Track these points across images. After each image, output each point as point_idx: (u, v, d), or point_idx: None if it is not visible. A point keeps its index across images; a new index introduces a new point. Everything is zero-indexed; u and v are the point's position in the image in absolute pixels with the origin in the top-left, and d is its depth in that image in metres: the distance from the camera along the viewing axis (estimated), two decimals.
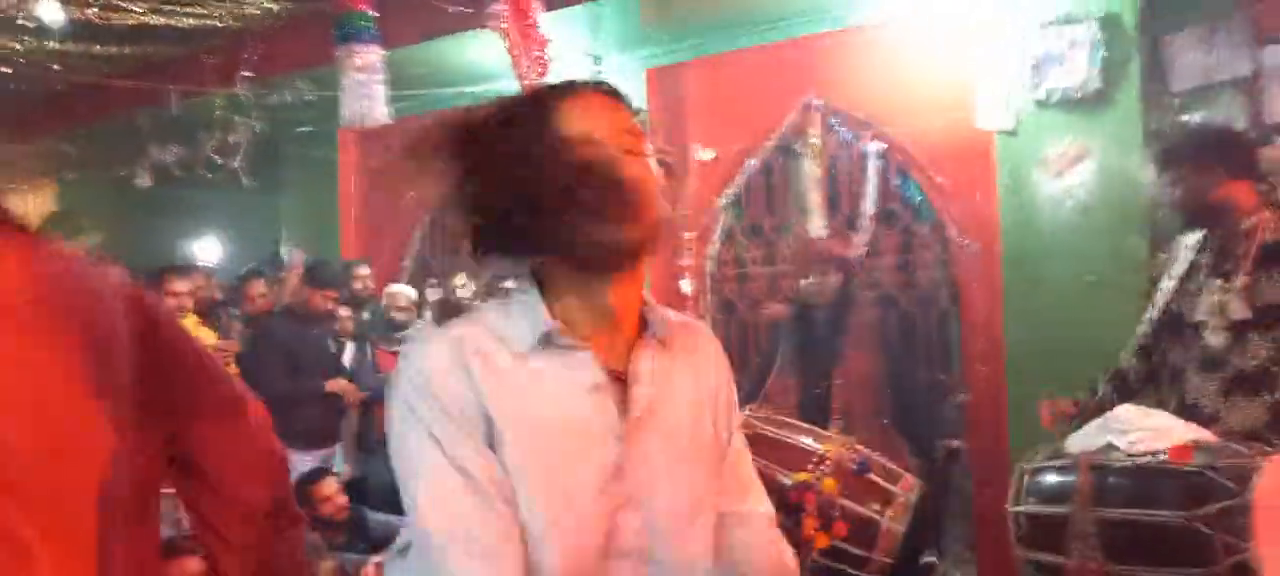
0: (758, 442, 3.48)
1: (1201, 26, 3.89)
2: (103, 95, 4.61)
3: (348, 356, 4.74)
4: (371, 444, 4.64)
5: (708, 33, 4.41)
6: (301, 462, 4.25)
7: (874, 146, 4.26)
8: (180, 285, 4.31)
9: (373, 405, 4.59)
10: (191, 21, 4.27)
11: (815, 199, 4.41)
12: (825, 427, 3.54)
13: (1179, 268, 2.78)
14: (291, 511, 1.35)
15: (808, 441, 3.45)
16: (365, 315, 5.16)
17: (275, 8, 4.27)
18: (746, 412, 3.62)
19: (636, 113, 1.12)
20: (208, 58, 4.46)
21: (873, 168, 4.30)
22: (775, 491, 3.32)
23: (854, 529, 3.26)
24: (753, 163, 4.54)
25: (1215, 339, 2.62)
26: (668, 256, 4.67)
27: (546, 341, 1.07)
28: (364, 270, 5.22)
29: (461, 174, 1.05)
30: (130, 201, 5.91)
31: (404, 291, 4.99)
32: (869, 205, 4.35)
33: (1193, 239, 2.78)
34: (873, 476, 3.32)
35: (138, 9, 3.99)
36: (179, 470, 1.25)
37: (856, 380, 3.70)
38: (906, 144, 4.15)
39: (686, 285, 4.65)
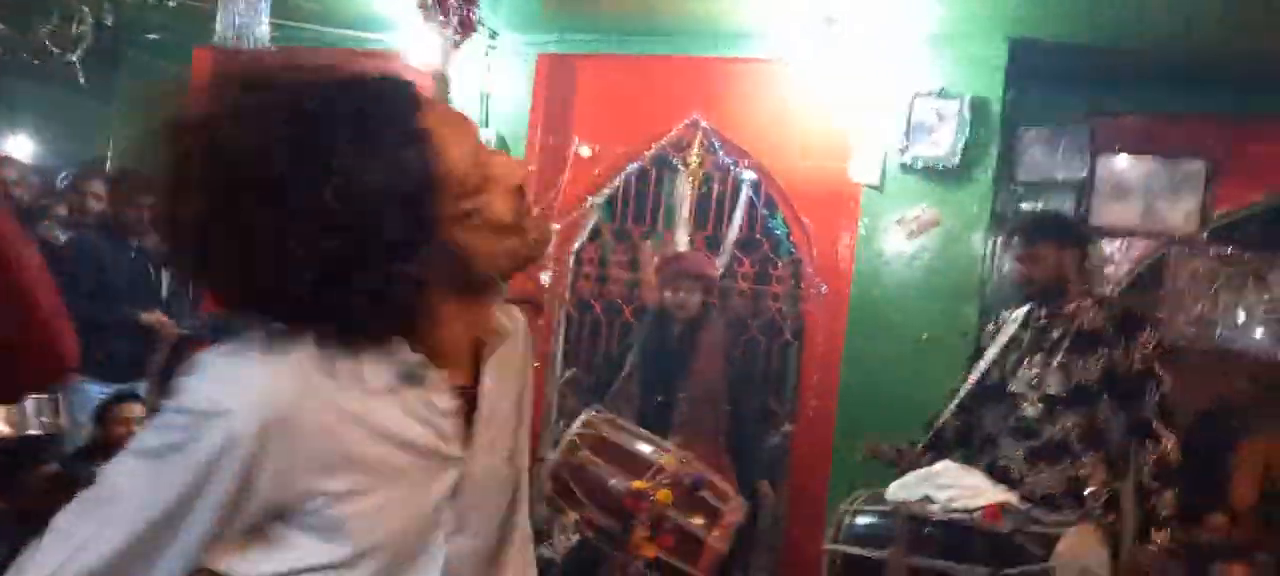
0: (599, 445, 3.51)
1: (1050, 127, 4.27)
2: None
3: (165, 289, 4.38)
4: None
5: (606, 30, 4.40)
6: (100, 395, 3.91)
7: (748, 175, 4.39)
8: None
9: (186, 343, 4.26)
10: None
11: (685, 214, 4.49)
12: (665, 439, 3.60)
13: (1003, 338, 3.03)
14: None
15: (647, 449, 3.50)
16: None
17: None
18: (591, 412, 3.63)
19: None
20: None
21: (744, 195, 4.43)
22: (610, 495, 3.39)
23: (680, 542, 3.33)
24: (631, 168, 4.57)
25: (1030, 409, 2.87)
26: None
27: (408, 378, 0.93)
28: None
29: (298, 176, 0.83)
30: None
31: None
32: (734, 231, 4.48)
33: (1019, 314, 3.04)
34: (705, 494, 3.41)
35: None
36: None
37: (699, 397, 3.79)
38: (779, 179, 4.30)
39: (546, 277, 4.61)
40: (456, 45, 2.86)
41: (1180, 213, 4.19)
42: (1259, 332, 4.19)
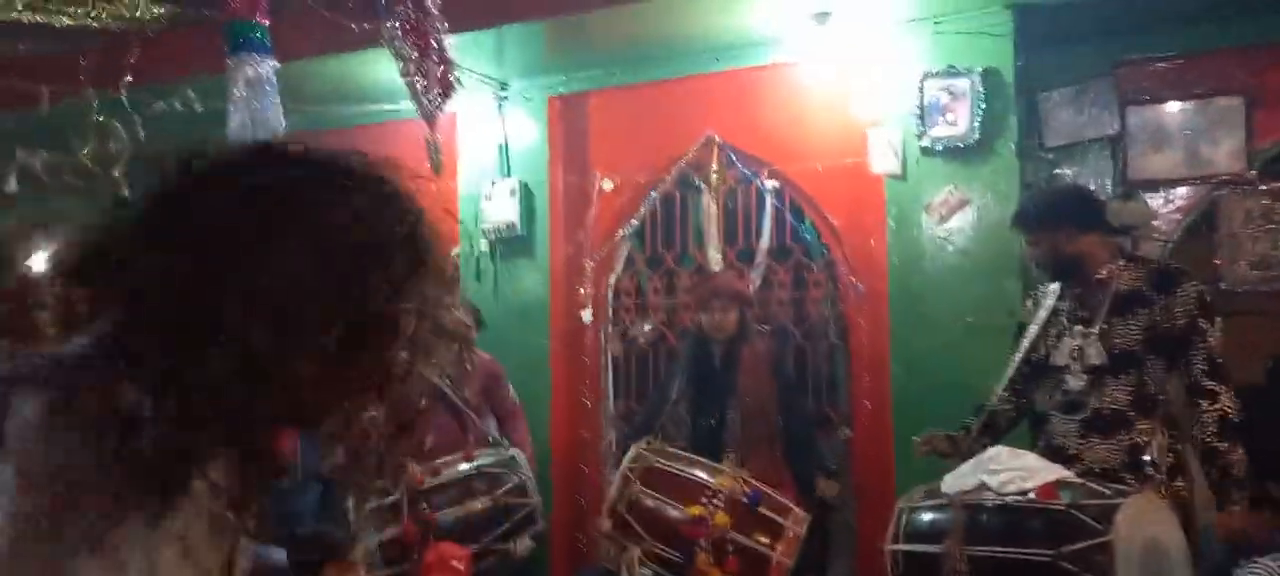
0: (652, 476, 3.50)
1: (1072, 87, 4.15)
2: None
3: None
4: None
5: (611, 64, 4.44)
6: None
7: (770, 184, 4.36)
8: None
9: None
10: (68, 21, 4.02)
11: (713, 232, 4.48)
12: (718, 460, 3.58)
13: (1043, 314, 2.95)
14: None
15: (701, 475, 3.48)
16: None
17: (160, 11, 4.06)
18: (640, 446, 3.63)
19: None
20: (85, 60, 4.21)
21: (769, 205, 4.40)
22: (669, 526, 3.38)
23: (745, 563, 3.30)
24: (654, 194, 4.58)
25: (1075, 382, 2.78)
26: (570, 285, 4.66)
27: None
28: None
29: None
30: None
31: None
32: (764, 241, 4.45)
33: (1056, 286, 2.96)
34: (764, 510, 3.38)
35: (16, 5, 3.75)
36: None
37: (749, 413, 3.77)
38: (801, 183, 4.27)
39: (586, 315, 4.64)
40: (439, 109, 2.90)
41: (1223, 153, 4.03)
42: None
